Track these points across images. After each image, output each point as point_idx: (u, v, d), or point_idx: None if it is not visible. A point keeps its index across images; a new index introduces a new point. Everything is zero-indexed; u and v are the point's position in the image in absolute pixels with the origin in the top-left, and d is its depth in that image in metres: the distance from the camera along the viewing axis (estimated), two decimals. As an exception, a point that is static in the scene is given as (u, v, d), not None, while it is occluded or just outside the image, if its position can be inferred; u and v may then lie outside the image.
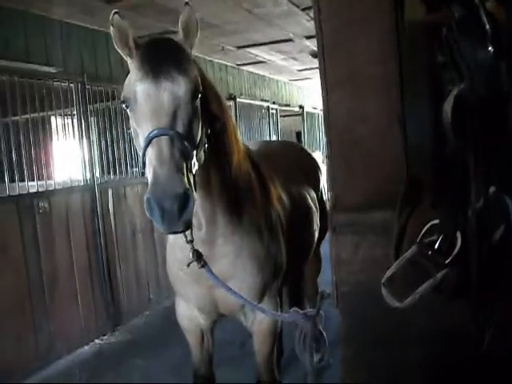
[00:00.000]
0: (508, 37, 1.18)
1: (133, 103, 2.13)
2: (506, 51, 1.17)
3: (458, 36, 1.24)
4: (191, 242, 2.38)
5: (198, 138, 2.19)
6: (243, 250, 2.75)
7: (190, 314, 3.05)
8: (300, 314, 2.42)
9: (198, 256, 2.42)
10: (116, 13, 2.19)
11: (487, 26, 1.17)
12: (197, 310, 2.99)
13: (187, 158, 2.04)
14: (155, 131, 2.00)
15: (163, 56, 2.15)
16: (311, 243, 3.88)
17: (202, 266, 2.43)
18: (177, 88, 2.08)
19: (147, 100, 2.07)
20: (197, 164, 2.16)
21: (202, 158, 2.30)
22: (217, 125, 2.45)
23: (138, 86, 2.10)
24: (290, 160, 4.08)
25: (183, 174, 1.95)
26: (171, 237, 2.83)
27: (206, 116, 2.30)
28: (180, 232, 2.06)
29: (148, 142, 2.01)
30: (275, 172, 3.34)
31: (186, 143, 2.04)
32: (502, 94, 1.18)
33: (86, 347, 5.86)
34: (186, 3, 2.20)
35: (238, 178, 2.73)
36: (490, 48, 1.16)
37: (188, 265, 2.44)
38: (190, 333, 3.13)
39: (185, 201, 1.90)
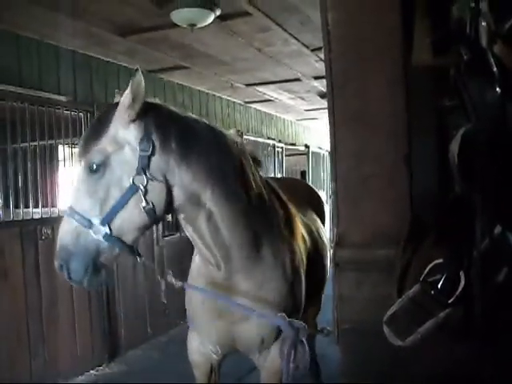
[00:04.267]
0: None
1: None
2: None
3: (466, 77, 1.27)
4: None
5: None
6: (264, 286, 2.68)
7: (202, 349, 2.97)
8: (286, 321, 2.40)
9: None
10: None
11: (495, 69, 1.19)
12: (211, 345, 2.92)
13: None
14: None
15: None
16: (324, 281, 3.79)
17: None
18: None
19: None
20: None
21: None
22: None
23: None
24: (300, 195, 3.98)
25: None
26: (194, 270, 2.85)
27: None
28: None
29: None
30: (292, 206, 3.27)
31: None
32: (509, 134, 1.19)
33: (82, 377, 5.77)
34: (136, 69, 2.21)
35: (257, 210, 2.66)
36: (497, 89, 1.19)
37: None
38: (199, 368, 3.05)
39: None
